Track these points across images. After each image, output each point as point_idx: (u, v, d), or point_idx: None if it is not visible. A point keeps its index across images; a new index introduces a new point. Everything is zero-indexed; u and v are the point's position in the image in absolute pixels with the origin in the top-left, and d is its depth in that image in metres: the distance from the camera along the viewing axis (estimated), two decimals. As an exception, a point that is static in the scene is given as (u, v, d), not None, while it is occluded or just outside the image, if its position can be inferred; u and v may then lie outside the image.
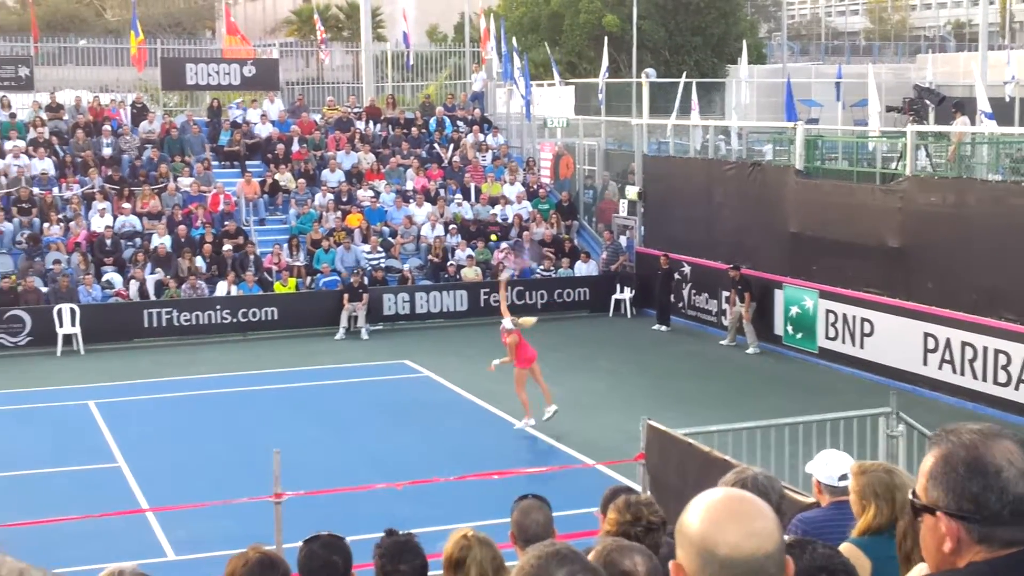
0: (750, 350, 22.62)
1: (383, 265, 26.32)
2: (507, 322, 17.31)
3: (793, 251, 22.30)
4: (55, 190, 27.39)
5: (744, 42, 34.54)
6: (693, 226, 25.11)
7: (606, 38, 35.76)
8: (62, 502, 13.94)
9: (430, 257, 26.82)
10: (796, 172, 22.51)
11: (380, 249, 26.77)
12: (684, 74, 31.29)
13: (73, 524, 12.54)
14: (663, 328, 24.88)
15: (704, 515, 2.32)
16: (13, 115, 30.22)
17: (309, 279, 25.79)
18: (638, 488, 9.73)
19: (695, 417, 15.33)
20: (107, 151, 29.25)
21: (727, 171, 24.57)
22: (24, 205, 26.52)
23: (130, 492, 15.00)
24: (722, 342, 23.30)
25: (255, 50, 37.06)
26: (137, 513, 14.03)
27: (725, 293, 23.62)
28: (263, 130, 31.10)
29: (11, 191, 26.91)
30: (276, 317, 24.67)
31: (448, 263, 26.57)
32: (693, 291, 25.03)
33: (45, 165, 28.08)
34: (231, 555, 4.38)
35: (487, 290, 25.81)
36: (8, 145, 28.55)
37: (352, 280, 24.87)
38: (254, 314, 24.57)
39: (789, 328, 22.22)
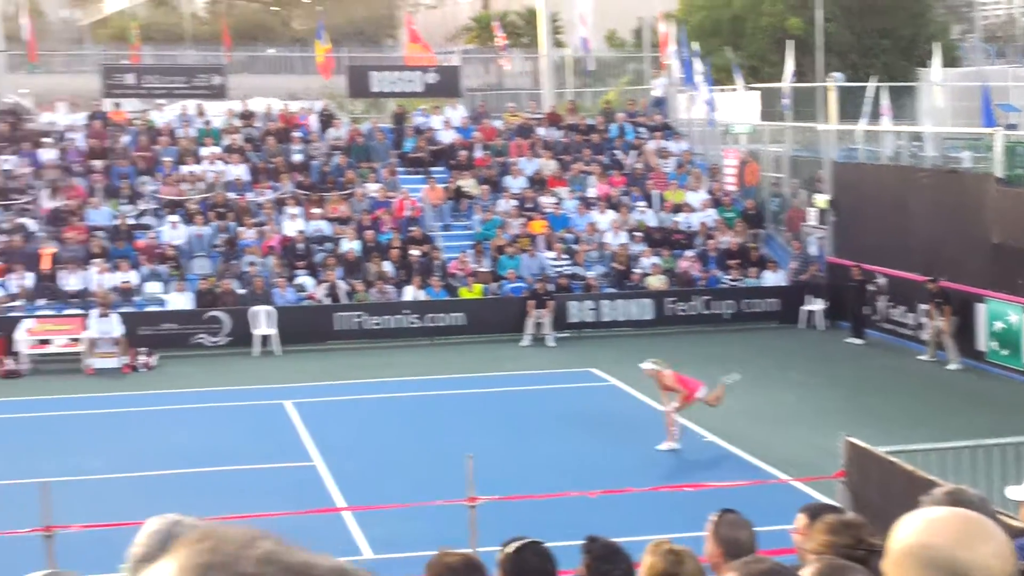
0: (951, 366, 21.76)
1: (567, 272, 26.29)
2: (647, 365, 16.92)
3: (995, 263, 21.38)
4: (249, 195, 28.23)
5: (936, 44, 33.36)
6: (887, 236, 24.32)
7: (791, 42, 35.04)
8: (260, 499, 14.27)
9: (614, 264, 26.67)
10: (996, 180, 21.60)
11: (564, 256, 26.75)
12: (875, 78, 30.36)
13: (271, 520, 12.80)
14: (857, 341, 24.17)
15: (945, 534, 2.16)
16: (207, 122, 31.29)
17: (495, 285, 25.92)
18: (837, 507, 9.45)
19: (893, 435, 14.81)
20: (297, 157, 30.00)
21: (922, 179, 23.75)
22: (220, 210, 27.40)
23: (325, 491, 15.29)
24: (921, 357, 22.48)
25: (437, 57, 37.51)
26: (335, 512, 14.31)
27: (923, 306, 22.80)
28: (446, 136, 31.46)
29: (208, 196, 27.85)
30: (462, 322, 24.88)
31: (633, 271, 26.39)
32: (889, 303, 24.25)
33: (239, 171, 29.00)
34: (427, 556, 4.38)
35: (673, 299, 25.57)
36: (204, 151, 29.58)
37: (537, 287, 24.91)
38: (441, 319, 24.84)
39: (993, 344, 21.30)
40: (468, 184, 29.29)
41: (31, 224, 26.28)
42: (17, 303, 23.82)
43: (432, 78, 32.73)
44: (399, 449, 17.17)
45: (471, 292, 25.60)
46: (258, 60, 38.90)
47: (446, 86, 33.00)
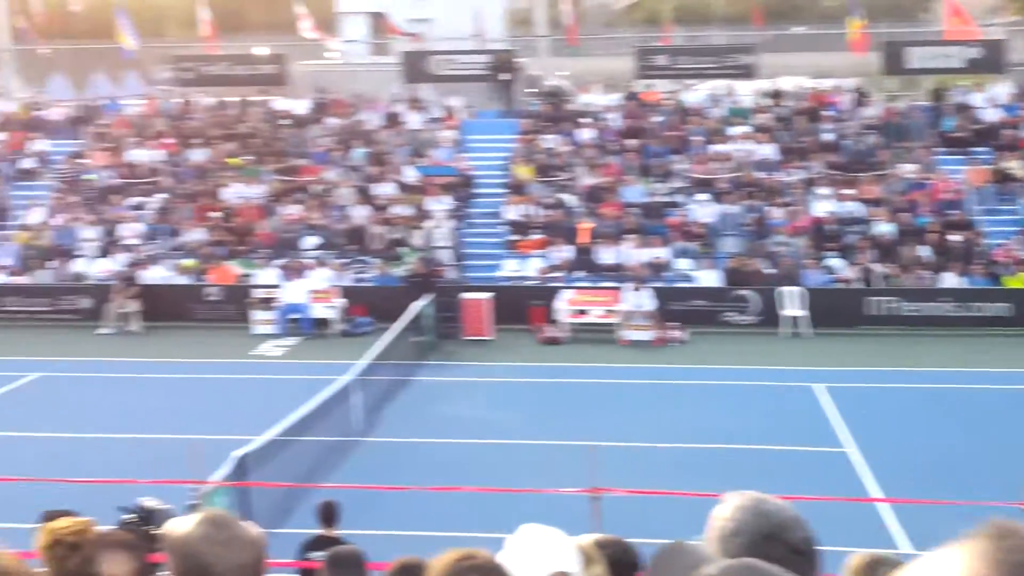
0: None
1: None
2: None
3: None
4: (778, 174, 27.87)
5: None
6: None
7: None
8: (790, 481, 13.88)
9: None
10: None
11: None
12: None
13: (803, 505, 12.34)
14: None
15: None
16: (736, 102, 31.27)
17: (1046, 275, 23.82)
18: None
19: None
20: (828, 137, 29.21)
21: None
22: (749, 189, 27.26)
23: (857, 479, 14.68)
24: None
25: (980, 31, 35.08)
26: (870, 502, 13.69)
27: None
28: (990, 115, 29.34)
29: (737, 175, 27.81)
30: (1008, 313, 23.07)
31: None
32: None
33: (768, 150, 28.70)
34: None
35: None
36: (733, 131, 29.56)
37: (1098, 279, 22.58)
38: (984, 308, 23.18)
39: None
40: (1015, 166, 27.11)
41: (570, 200, 27.52)
42: (557, 274, 25.06)
43: (974, 53, 30.69)
44: (939, 443, 16.19)
45: (1018, 281, 23.64)
46: (787, 38, 38.40)
47: (989, 61, 30.84)
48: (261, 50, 35.36)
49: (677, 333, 23.10)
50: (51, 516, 5.66)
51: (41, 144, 30.95)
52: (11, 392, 19.89)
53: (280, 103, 32.71)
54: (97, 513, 7.07)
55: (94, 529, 4.75)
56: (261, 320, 24.26)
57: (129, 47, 33.92)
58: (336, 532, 10.22)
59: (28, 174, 30.31)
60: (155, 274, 25.74)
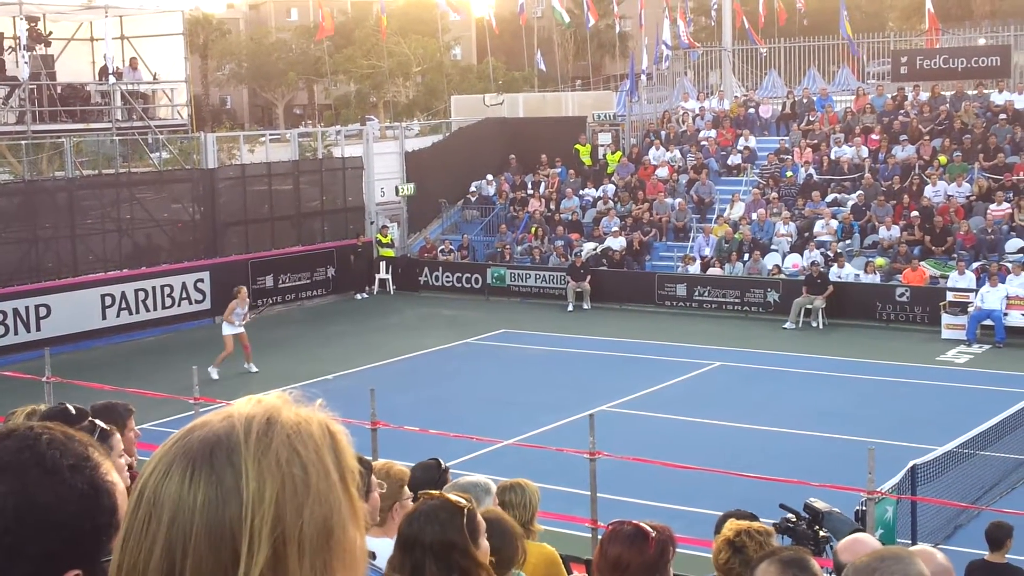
0: None
1: None
2: None
3: None
4: None
5: None
6: None
7: None
8: None
9: None
10: None
11: None
12: None
13: None
14: None
15: None
16: None
17: None
18: None
19: None
20: None
21: None
22: None
23: None
24: None
25: None
26: None
27: None
28: None
29: None
30: None
31: None
32: None
33: None
34: None
35: None
36: None
37: None
38: None
39: None
40: None
41: None
42: None
43: None
44: None
45: None
46: None
47: None
48: (993, 41, 33.19)
49: None
50: (733, 515, 5.75)
51: (749, 140, 31.58)
52: (694, 378, 20.42)
53: (998, 96, 30.36)
54: (761, 508, 6.84)
55: (771, 539, 4.71)
56: (951, 325, 22.71)
57: (850, 36, 33.43)
58: (1003, 558, 9.29)
59: (734, 170, 31.10)
60: (845, 271, 25.13)
